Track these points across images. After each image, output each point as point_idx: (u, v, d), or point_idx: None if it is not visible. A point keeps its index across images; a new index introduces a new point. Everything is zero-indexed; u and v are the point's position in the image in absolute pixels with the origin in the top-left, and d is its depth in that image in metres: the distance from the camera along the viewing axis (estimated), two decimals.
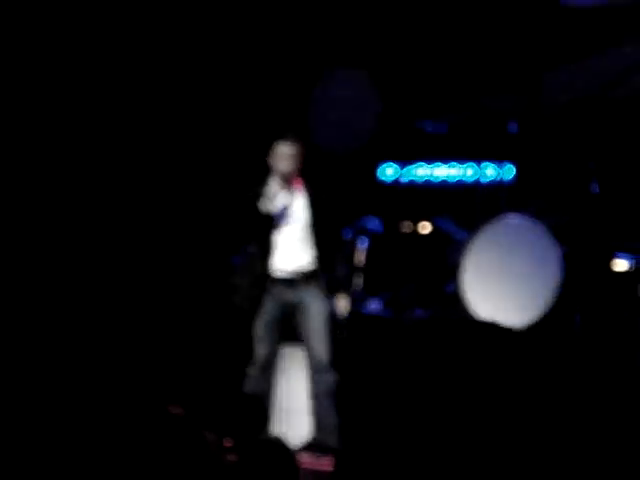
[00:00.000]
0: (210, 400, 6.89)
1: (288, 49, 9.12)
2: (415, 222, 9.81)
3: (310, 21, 9.09)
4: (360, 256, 8.83)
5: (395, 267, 9.26)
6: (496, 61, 9.22)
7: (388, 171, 10.23)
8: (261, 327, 6.62)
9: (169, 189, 8.91)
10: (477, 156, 9.64)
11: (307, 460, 6.23)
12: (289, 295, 6.63)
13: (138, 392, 6.02)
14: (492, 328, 6.54)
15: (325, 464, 6.10)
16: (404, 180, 10.16)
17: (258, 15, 8.97)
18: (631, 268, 8.53)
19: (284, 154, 6.60)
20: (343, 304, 6.69)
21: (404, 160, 10.17)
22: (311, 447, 6.43)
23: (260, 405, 6.58)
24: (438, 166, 9.96)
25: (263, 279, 6.63)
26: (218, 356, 7.65)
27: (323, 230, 6.67)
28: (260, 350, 6.60)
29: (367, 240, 8.90)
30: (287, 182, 6.62)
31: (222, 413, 6.42)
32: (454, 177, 9.86)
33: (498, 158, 9.30)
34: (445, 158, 9.85)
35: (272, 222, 6.59)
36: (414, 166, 10.12)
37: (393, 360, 7.11)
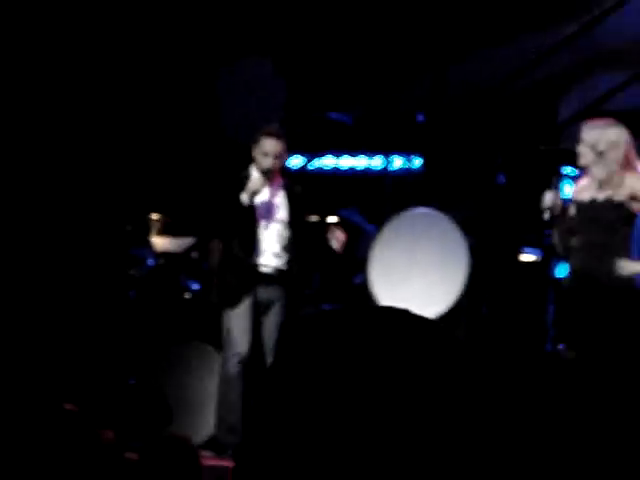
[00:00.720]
0: (109, 397, 6.72)
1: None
2: (322, 213, 9.72)
3: (215, 9, 8.98)
4: None
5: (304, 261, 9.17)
6: (402, 52, 9.19)
7: (294, 161, 10.14)
8: (241, 322, 6.47)
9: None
10: (384, 148, 9.59)
11: (209, 458, 6.11)
12: (265, 293, 6.56)
13: (31, 389, 5.84)
14: (402, 317, 6.45)
15: (227, 462, 5.99)
16: (311, 170, 10.08)
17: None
18: (537, 259, 8.58)
19: (267, 150, 6.44)
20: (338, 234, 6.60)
21: (311, 151, 10.09)
22: (214, 445, 6.32)
23: (162, 402, 6.44)
24: (345, 157, 9.88)
25: (243, 274, 6.48)
26: (117, 353, 7.47)
27: (300, 230, 6.62)
28: (242, 346, 6.42)
29: None
30: (268, 178, 6.46)
31: (122, 410, 6.26)
32: (361, 168, 9.80)
33: (405, 150, 9.27)
34: (352, 150, 9.80)
35: (252, 216, 6.48)
36: (321, 157, 10.04)
37: (300, 355, 7.02)
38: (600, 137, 5.66)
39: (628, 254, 5.60)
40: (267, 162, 6.46)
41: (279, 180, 6.65)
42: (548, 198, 5.79)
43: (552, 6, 8.40)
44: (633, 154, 5.74)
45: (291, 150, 10.17)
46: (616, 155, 5.64)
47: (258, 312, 6.58)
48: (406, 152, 9.24)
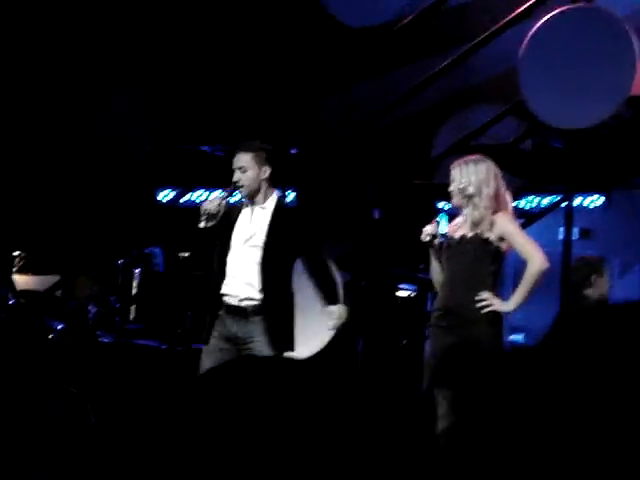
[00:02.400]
0: None
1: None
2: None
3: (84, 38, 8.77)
4: (134, 285, 8.45)
5: (173, 297, 8.92)
6: (276, 84, 9.10)
7: (166, 195, 9.92)
8: (207, 361, 5.80)
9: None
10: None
11: None
12: (237, 327, 5.82)
13: None
14: (275, 361, 6.26)
15: None
16: (182, 204, 9.88)
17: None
18: (411, 294, 8.52)
19: (233, 164, 5.87)
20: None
21: (182, 185, 9.90)
22: None
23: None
24: (217, 191, 9.68)
25: (208, 304, 5.90)
26: None
27: (279, 260, 5.87)
28: None
29: (141, 268, 8.52)
30: (249, 197, 5.90)
31: None
32: (235, 202, 9.61)
33: (279, 183, 9.12)
34: (225, 183, 9.63)
35: (212, 240, 5.86)
36: (193, 190, 9.85)
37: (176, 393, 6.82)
38: (469, 179, 5.64)
39: (493, 290, 5.58)
40: (235, 176, 5.87)
41: (264, 200, 5.95)
42: (428, 228, 5.72)
43: (425, 38, 8.39)
44: (503, 190, 5.73)
45: (162, 184, 10.02)
46: (486, 194, 5.62)
47: (235, 349, 5.83)
48: (279, 185, 9.09)
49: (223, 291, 5.87)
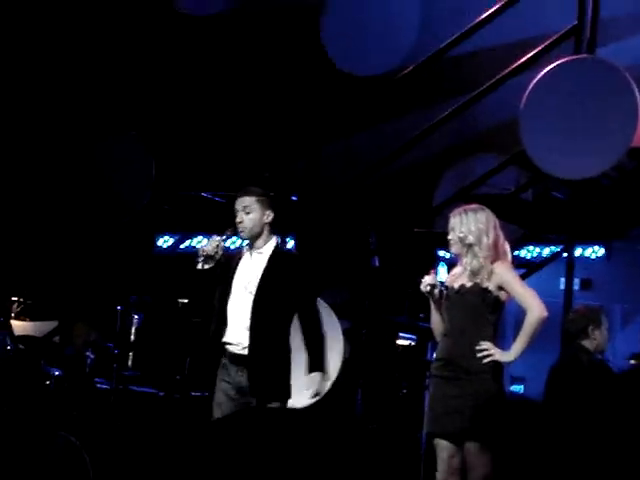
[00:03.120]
0: None
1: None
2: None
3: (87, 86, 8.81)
4: (131, 332, 8.42)
5: (170, 344, 8.88)
6: (277, 131, 9.12)
7: (166, 241, 9.90)
8: (217, 411, 5.71)
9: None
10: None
11: None
12: (239, 377, 5.73)
13: None
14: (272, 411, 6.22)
15: None
16: (181, 250, 9.86)
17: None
18: (412, 343, 8.48)
19: (235, 206, 5.84)
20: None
21: (182, 231, 9.88)
22: None
23: None
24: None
25: (210, 353, 5.81)
26: None
27: (272, 307, 5.77)
28: None
29: (140, 315, 8.49)
30: (250, 241, 5.86)
31: None
32: (234, 249, 9.61)
33: (279, 230, 9.11)
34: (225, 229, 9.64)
35: (210, 284, 5.81)
36: (192, 237, 9.84)
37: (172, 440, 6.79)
38: (469, 227, 5.64)
39: (494, 340, 5.56)
40: (238, 217, 5.81)
41: (263, 245, 5.90)
42: (427, 279, 5.70)
43: (427, 87, 8.42)
44: (502, 240, 5.73)
45: (161, 230, 10.01)
46: (485, 243, 5.62)
47: (244, 399, 5.72)
48: (280, 233, 9.08)
49: (225, 339, 5.83)
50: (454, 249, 5.72)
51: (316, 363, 5.89)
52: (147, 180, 8.83)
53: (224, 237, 5.86)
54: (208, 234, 9.62)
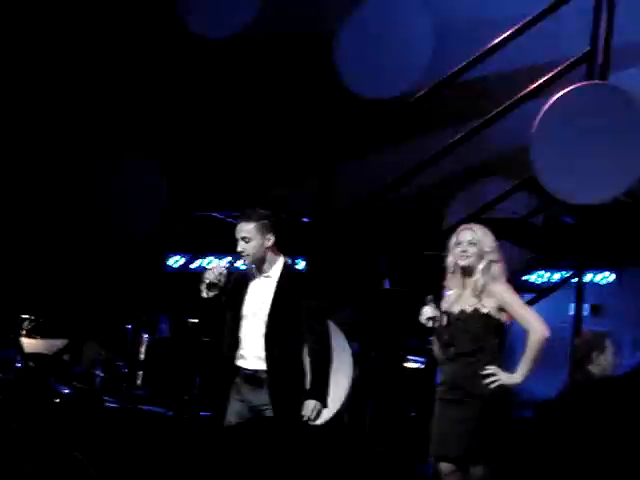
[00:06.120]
0: None
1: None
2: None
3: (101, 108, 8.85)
4: (142, 351, 8.43)
5: (181, 365, 8.88)
6: (290, 153, 9.15)
7: (177, 261, 9.92)
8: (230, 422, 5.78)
9: None
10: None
11: None
12: (253, 396, 5.79)
13: None
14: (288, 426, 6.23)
15: None
16: (192, 270, 9.88)
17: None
18: (421, 366, 8.47)
19: (236, 234, 5.84)
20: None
21: (193, 250, 9.90)
22: None
23: None
24: (227, 258, 9.69)
25: (223, 375, 5.85)
26: None
27: (284, 331, 5.80)
28: None
29: (149, 335, 8.51)
30: (256, 266, 5.86)
31: None
32: (244, 268, 9.63)
33: (290, 251, 9.12)
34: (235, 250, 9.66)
35: (231, 310, 5.83)
36: (203, 257, 9.85)
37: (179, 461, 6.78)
38: (489, 243, 5.64)
39: (498, 363, 5.55)
40: (239, 246, 5.85)
41: (270, 268, 5.89)
42: (426, 311, 5.69)
43: (439, 111, 8.44)
44: (502, 262, 5.72)
45: (173, 249, 10.04)
46: (495, 260, 5.62)
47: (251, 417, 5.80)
48: (291, 254, 9.09)
49: (237, 362, 5.84)
50: (463, 262, 5.66)
51: (316, 390, 5.84)
52: (160, 200, 8.87)
53: (228, 265, 5.87)
54: (219, 254, 9.70)
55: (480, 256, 5.63)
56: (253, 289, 5.91)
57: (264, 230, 5.84)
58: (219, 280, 5.79)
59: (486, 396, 5.50)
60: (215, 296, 5.79)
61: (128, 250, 9.19)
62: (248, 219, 5.84)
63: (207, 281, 5.78)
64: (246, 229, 5.82)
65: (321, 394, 5.83)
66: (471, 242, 5.66)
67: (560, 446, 6.59)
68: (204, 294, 5.80)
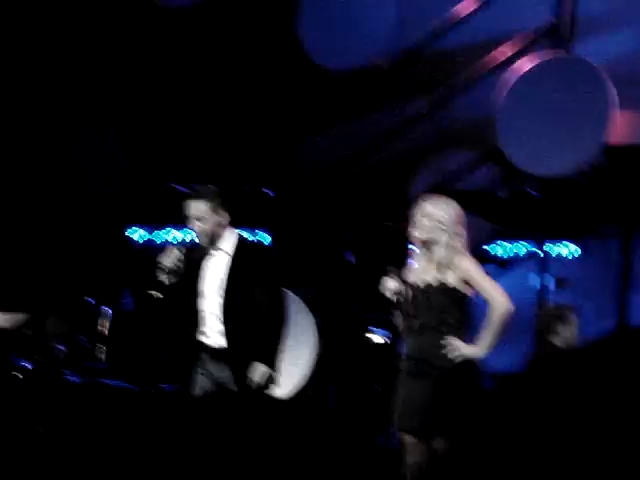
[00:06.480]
0: None
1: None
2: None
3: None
4: (104, 325, 8.36)
5: (143, 338, 8.83)
6: (252, 127, 9.08)
7: (136, 235, 9.83)
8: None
9: None
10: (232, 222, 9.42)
11: None
12: (212, 368, 5.79)
13: None
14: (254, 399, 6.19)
15: None
16: (154, 244, 9.80)
17: None
18: (386, 340, 8.46)
19: (186, 213, 5.75)
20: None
21: (154, 223, 9.82)
22: None
23: None
24: (189, 232, 9.62)
25: (186, 348, 5.84)
26: None
27: (243, 302, 5.76)
28: None
29: (112, 309, 8.44)
30: (210, 243, 5.78)
31: None
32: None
33: (253, 225, 9.07)
34: None
35: (188, 285, 5.78)
36: (164, 230, 9.77)
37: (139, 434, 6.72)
38: (445, 215, 5.57)
39: (463, 337, 5.53)
40: (195, 226, 5.75)
41: (224, 243, 5.81)
42: (389, 284, 5.64)
43: (404, 83, 8.40)
44: (466, 234, 5.67)
45: (133, 223, 9.95)
46: (458, 234, 5.56)
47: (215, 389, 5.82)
48: (253, 227, 9.04)
49: (199, 338, 5.82)
50: (425, 236, 5.60)
51: (264, 355, 5.78)
52: (120, 171, 8.79)
53: (181, 250, 5.81)
54: (180, 226, 9.62)
55: (441, 229, 5.57)
56: (209, 266, 5.87)
57: (218, 209, 5.78)
58: (177, 266, 5.77)
59: (449, 369, 5.48)
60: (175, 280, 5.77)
61: (90, 222, 9.10)
62: (199, 198, 5.77)
63: (165, 268, 5.74)
64: (201, 209, 5.74)
65: (269, 359, 5.78)
66: (427, 215, 5.58)
67: (521, 418, 6.60)
68: (165, 282, 5.77)
